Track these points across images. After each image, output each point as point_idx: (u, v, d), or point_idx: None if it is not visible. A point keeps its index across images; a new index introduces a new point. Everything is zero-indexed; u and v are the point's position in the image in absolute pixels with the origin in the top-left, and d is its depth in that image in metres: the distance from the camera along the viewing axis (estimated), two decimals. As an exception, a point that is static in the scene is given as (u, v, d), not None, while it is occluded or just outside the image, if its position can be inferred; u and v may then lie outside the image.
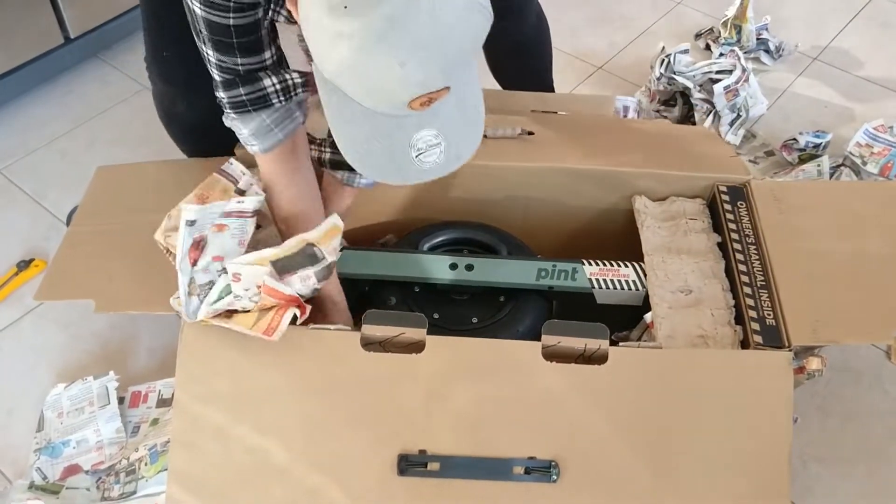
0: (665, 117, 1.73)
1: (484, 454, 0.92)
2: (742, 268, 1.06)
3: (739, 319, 1.02)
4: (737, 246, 1.09)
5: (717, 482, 0.93)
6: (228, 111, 0.95)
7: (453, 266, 1.14)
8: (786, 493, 0.93)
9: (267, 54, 0.92)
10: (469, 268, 1.13)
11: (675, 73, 1.71)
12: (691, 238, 1.13)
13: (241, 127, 0.96)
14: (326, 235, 0.93)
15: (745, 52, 1.83)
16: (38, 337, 1.34)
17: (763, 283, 1.04)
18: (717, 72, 1.70)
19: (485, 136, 1.24)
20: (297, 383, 0.95)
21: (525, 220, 1.26)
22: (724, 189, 1.16)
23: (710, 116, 1.66)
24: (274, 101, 0.94)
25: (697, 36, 1.98)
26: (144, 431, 1.16)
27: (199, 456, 0.93)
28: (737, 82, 1.67)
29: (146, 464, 1.08)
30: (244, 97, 0.93)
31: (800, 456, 1.17)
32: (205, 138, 1.23)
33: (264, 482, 0.93)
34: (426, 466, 0.92)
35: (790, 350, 0.95)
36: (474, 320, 1.11)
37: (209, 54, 0.91)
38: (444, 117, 0.77)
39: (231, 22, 0.87)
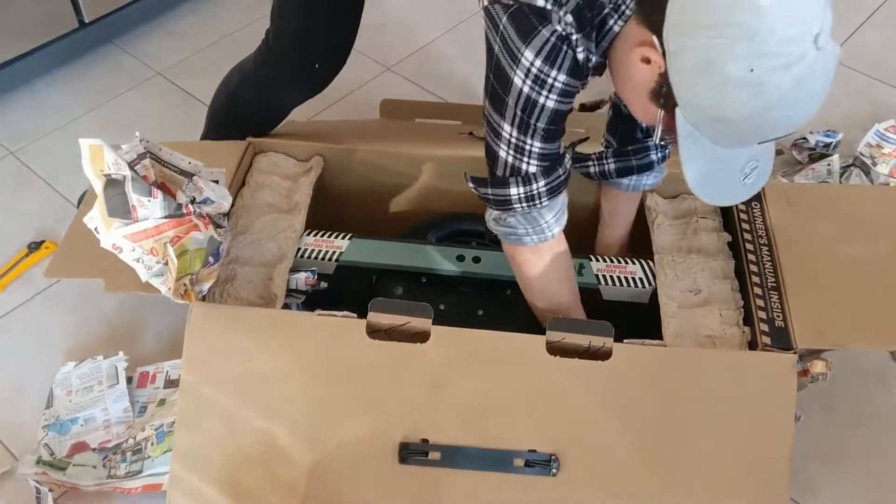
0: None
1: (485, 445, 0.93)
2: (754, 268, 1.06)
3: (748, 320, 1.02)
4: (749, 246, 1.09)
5: (716, 480, 0.94)
6: (541, 201, 0.94)
7: (460, 258, 1.14)
8: (785, 492, 0.93)
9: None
10: (476, 260, 1.14)
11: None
12: (702, 237, 1.13)
13: (547, 213, 0.96)
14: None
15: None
16: (48, 318, 1.35)
17: (774, 284, 1.03)
18: (730, 69, 1.69)
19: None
20: (303, 368, 0.96)
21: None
22: (737, 188, 1.16)
23: (722, 114, 1.66)
24: (568, 170, 0.97)
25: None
26: (152, 412, 1.17)
27: (203, 437, 0.94)
28: (749, 80, 1.66)
29: (153, 444, 1.09)
30: (562, 176, 0.95)
31: (802, 454, 1.17)
32: (256, 121, 1.27)
33: (267, 465, 0.94)
34: (427, 455, 0.93)
35: (795, 353, 0.95)
36: (480, 312, 1.12)
37: (533, 147, 0.90)
38: (767, 144, 0.83)
39: (570, 107, 0.90)
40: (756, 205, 1.14)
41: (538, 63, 0.84)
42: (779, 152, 1.64)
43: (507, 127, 0.89)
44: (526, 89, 0.85)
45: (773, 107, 0.73)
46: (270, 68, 1.23)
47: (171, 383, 1.21)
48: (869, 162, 1.55)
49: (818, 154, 1.59)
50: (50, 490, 1.09)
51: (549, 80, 0.85)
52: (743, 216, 1.13)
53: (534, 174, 0.92)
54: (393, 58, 1.87)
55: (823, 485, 1.15)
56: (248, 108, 1.28)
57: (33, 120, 1.71)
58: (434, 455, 0.93)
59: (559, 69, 0.84)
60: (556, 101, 0.86)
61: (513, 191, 0.93)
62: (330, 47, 1.19)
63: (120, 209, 0.91)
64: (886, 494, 1.15)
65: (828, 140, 1.60)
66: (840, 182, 1.53)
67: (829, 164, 1.55)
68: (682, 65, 0.75)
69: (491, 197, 0.96)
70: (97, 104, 1.75)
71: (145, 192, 0.91)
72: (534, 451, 0.93)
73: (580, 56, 0.84)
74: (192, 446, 0.95)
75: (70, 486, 1.10)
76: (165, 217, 0.92)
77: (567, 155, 0.96)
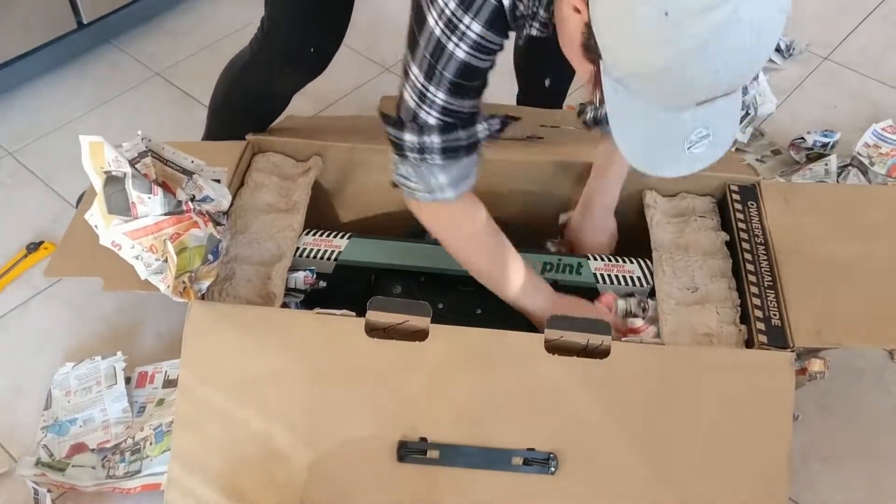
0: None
1: (484, 444, 0.93)
2: (750, 267, 1.06)
3: (745, 318, 1.02)
4: (745, 245, 1.09)
5: (715, 479, 0.94)
6: (432, 157, 0.90)
7: (459, 257, 1.14)
8: (784, 491, 0.93)
9: (483, 93, 0.89)
10: (474, 259, 1.14)
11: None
12: (700, 235, 1.13)
13: (440, 174, 0.92)
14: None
15: (755, 51, 1.82)
16: (46, 318, 1.35)
17: (770, 283, 1.04)
18: (728, 69, 1.69)
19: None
20: (302, 367, 0.96)
21: (531, 214, 1.26)
22: (735, 188, 1.16)
23: (720, 114, 1.66)
24: (483, 143, 0.92)
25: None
26: (150, 411, 1.17)
27: (201, 437, 0.94)
28: (747, 80, 1.66)
29: (151, 443, 1.09)
30: (462, 140, 0.90)
31: (801, 453, 1.17)
32: (251, 112, 1.27)
33: (266, 464, 0.94)
34: (426, 454, 0.93)
35: (793, 351, 0.95)
36: (479, 311, 1.12)
37: (436, 98, 0.85)
38: (718, 109, 0.74)
39: (487, 64, 0.84)
40: (753, 204, 1.14)
41: (452, 4, 0.78)
42: (776, 152, 1.64)
43: (415, 69, 0.85)
44: (437, 32, 0.80)
45: (693, 57, 0.66)
46: (268, 54, 1.22)
47: (170, 383, 1.21)
48: (866, 162, 1.55)
49: (816, 154, 1.60)
50: (48, 491, 1.09)
51: (462, 27, 0.79)
52: (740, 215, 1.13)
53: (430, 126, 0.87)
54: (392, 58, 1.87)
55: (822, 484, 1.15)
56: (248, 99, 1.28)
57: (32, 120, 1.71)
58: (432, 454, 0.93)
59: (475, 16, 0.78)
60: (466, 52, 0.81)
61: (406, 136, 0.89)
62: (325, 27, 1.18)
63: (120, 206, 0.92)
64: (885, 494, 1.15)
65: (825, 140, 1.60)
66: (837, 182, 1.54)
67: (826, 164, 1.55)
68: (602, 12, 0.69)
69: (390, 136, 0.92)
70: (95, 105, 1.75)
71: (145, 188, 0.91)
72: (532, 449, 0.93)
73: (506, 1, 0.78)
74: (191, 446, 0.95)
75: (69, 487, 1.10)
76: (165, 214, 0.92)
77: (482, 125, 0.90)
